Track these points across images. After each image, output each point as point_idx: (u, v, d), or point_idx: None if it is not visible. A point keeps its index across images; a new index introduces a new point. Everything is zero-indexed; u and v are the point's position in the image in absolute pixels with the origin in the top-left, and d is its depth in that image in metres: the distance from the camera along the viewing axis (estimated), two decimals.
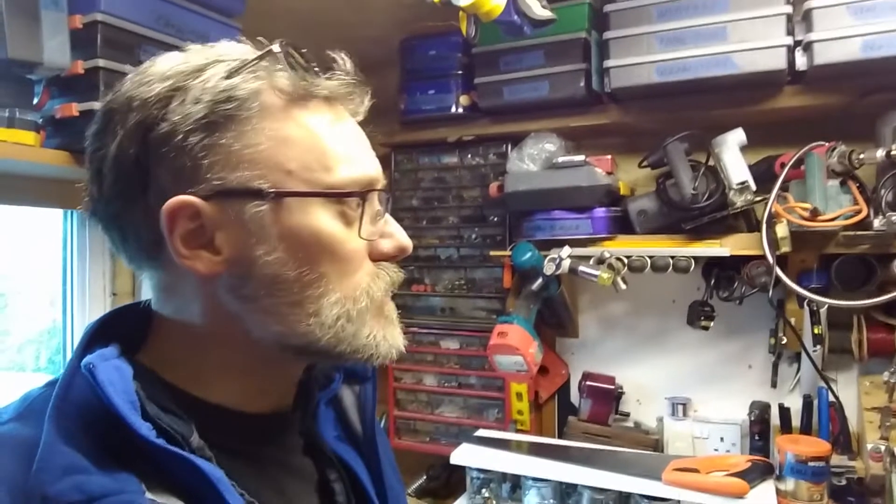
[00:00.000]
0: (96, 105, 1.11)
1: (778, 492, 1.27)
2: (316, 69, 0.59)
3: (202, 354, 0.60)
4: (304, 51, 0.59)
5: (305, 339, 0.58)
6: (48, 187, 1.31)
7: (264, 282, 0.56)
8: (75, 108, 1.12)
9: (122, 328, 0.61)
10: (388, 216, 0.64)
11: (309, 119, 0.58)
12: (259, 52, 0.58)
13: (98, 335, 0.59)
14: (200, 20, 1.25)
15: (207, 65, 0.57)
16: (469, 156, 1.77)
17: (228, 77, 0.56)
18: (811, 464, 1.26)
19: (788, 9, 1.32)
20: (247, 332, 0.58)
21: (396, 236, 0.63)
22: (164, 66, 0.58)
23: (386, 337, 0.62)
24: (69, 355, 1.48)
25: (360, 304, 0.59)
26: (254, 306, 0.57)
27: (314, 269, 0.57)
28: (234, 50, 0.60)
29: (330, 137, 0.59)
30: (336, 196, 0.58)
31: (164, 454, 0.52)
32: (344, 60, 0.61)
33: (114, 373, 0.54)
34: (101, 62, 1.12)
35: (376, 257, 0.62)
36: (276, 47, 0.58)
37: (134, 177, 0.56)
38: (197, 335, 0.59)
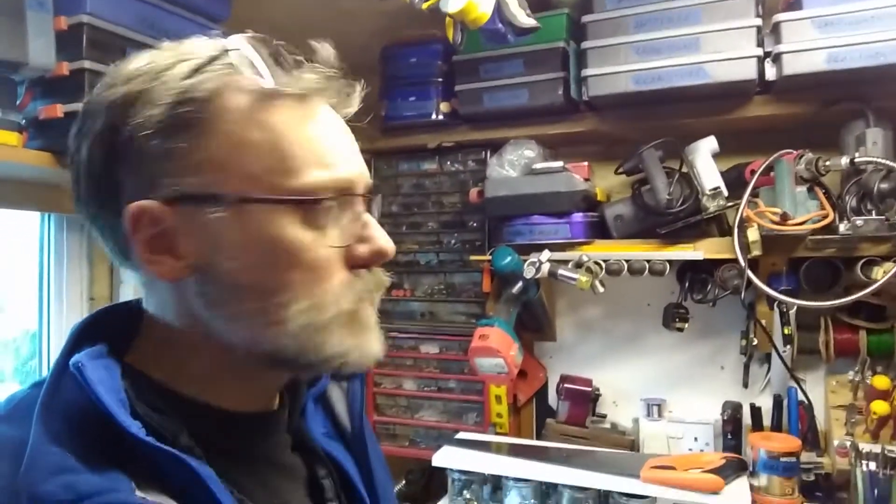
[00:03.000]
0: (81, 106, 1.11)
1: (752, 487, 1.31)
2: (287, 64, 0.57)
3: (184, 355, 0.60)
4: (276, 43, 0.57)
5: (271, 346, 0.57)
6: (28, 190, 1.30)
7: (228, 288, 0.56)
8: (60, 110, 1.12)
9: (109, 328, 0.61)
10: (367, 218, 0.61)
11: (276, 119, 0.56)
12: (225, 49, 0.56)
13: (85, 335, 0.59)
14: (186, 24, 1.26)
15: (172, 64, 0.56)
16: (448, 162, 1.79)
17: (188, 77, 0.55)
18: (783, 459, 1.30)
19: (758, 21, 1.37)
20: (218, 336, 0.58)
21: (376, 240, 0.60)
22: (130, 67, 0.57)
23: (359, 345, 0.59)
24: (45, 361, 1.46)
25: (328, 314, 0.57)
26: (220, 312, 0.57)
27: (278, 277, 0.56)
28: (203, 47, 0.58)
29: (297, 138, 0.56)
30: (298, 202, 0.55)
31: (154, 452, 0.52)
32: (327, 52, 0.58)
33: (102, 371, 0.54)
34: (86, 63, 1.12)
35: (353, 263, 0.59)
36: (239, 42, 0.56)
37: (104, 181, 0.56)
38: (177, 336, 0.59)
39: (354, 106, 0.62)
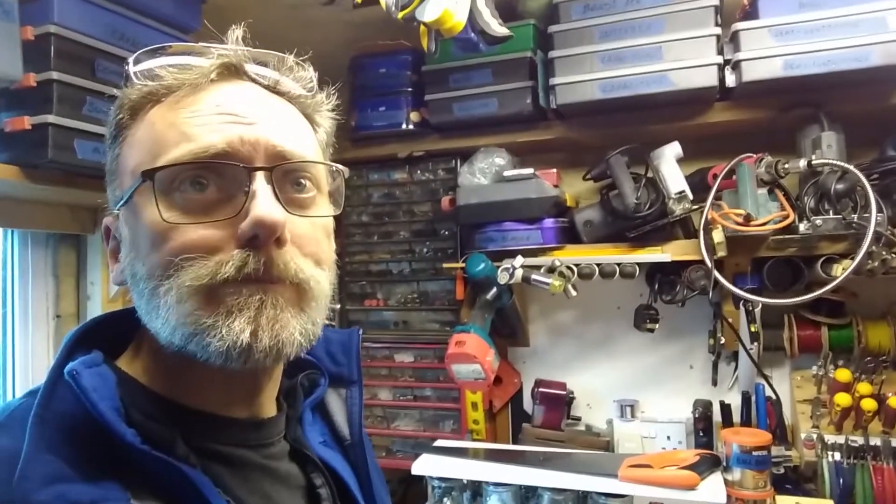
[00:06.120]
0: (49, 118, 1.10)
1: (726, 482, 1.34)
2: (170, 67, 0.59)
3: (161, 359, 0.59)
4: (160, 47, 0.62)
5: (167, 339, 0.55)
6: None
7: (132, 285, 0.58)
8: (27, 122, 1.09)
9: (105, 335, 0.61)
10: (255, 189, 0.54)
11: (156, 112, 0.58)
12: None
13: (80, 343, 0.59)
14: (156, 35, 1.25)
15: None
16: (419, 171, 1.80)
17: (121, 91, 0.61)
18: (755, 453, 1.34)
19: (718, 30, 1.42)
20: (155, 335, 0.58)
21: (254, 212, 0.53)
22: None
23: (232, 329, 0.53)
24: (10, 381, 1.42)
25: (191, 299, 0.53)
26: (140, 310, 0.58)
27: (151, 262, 0.55)
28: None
29: (167, 123, 0.57)
30: (151, 181, 0.54)
31: (149, 461, 0.52)
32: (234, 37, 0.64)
33: (97, 379, 0.54)
34: (54, 74, 1.11)
35: (239, 241, 0.54)
36: (130, 60, 0.61)
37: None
38: (152, 340, 0.59)
39: (270, 75, 0.65)
